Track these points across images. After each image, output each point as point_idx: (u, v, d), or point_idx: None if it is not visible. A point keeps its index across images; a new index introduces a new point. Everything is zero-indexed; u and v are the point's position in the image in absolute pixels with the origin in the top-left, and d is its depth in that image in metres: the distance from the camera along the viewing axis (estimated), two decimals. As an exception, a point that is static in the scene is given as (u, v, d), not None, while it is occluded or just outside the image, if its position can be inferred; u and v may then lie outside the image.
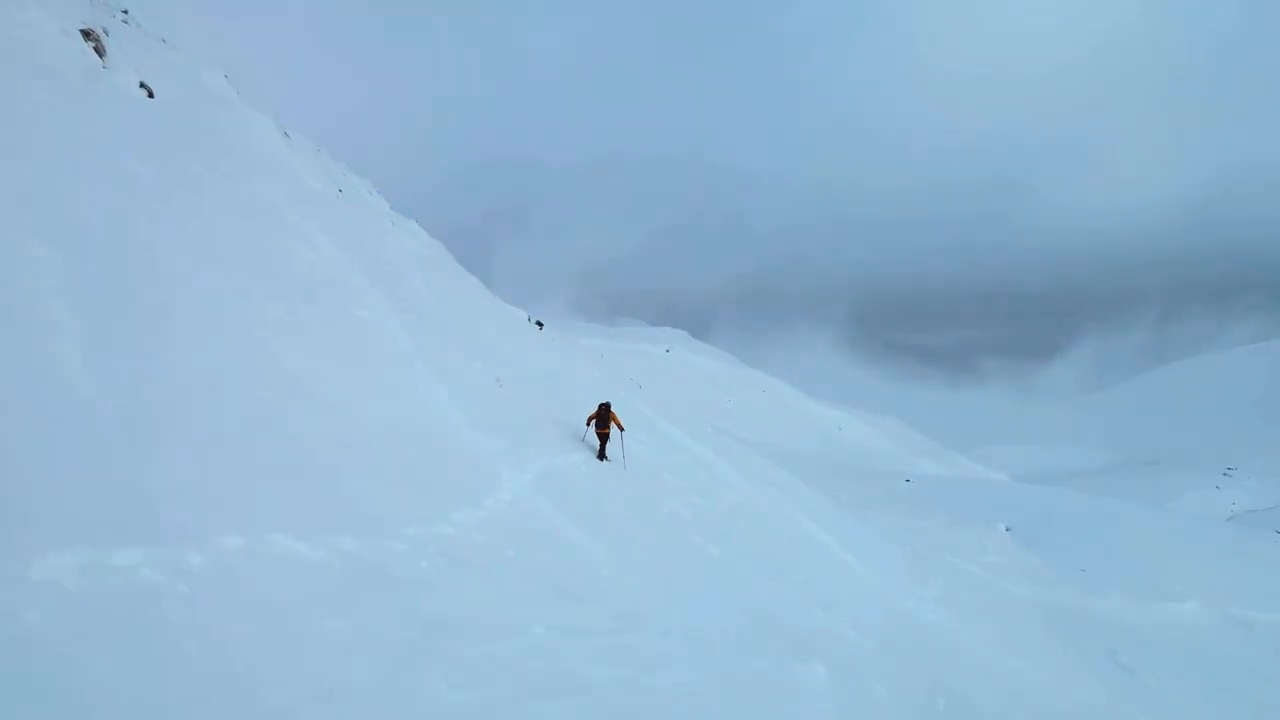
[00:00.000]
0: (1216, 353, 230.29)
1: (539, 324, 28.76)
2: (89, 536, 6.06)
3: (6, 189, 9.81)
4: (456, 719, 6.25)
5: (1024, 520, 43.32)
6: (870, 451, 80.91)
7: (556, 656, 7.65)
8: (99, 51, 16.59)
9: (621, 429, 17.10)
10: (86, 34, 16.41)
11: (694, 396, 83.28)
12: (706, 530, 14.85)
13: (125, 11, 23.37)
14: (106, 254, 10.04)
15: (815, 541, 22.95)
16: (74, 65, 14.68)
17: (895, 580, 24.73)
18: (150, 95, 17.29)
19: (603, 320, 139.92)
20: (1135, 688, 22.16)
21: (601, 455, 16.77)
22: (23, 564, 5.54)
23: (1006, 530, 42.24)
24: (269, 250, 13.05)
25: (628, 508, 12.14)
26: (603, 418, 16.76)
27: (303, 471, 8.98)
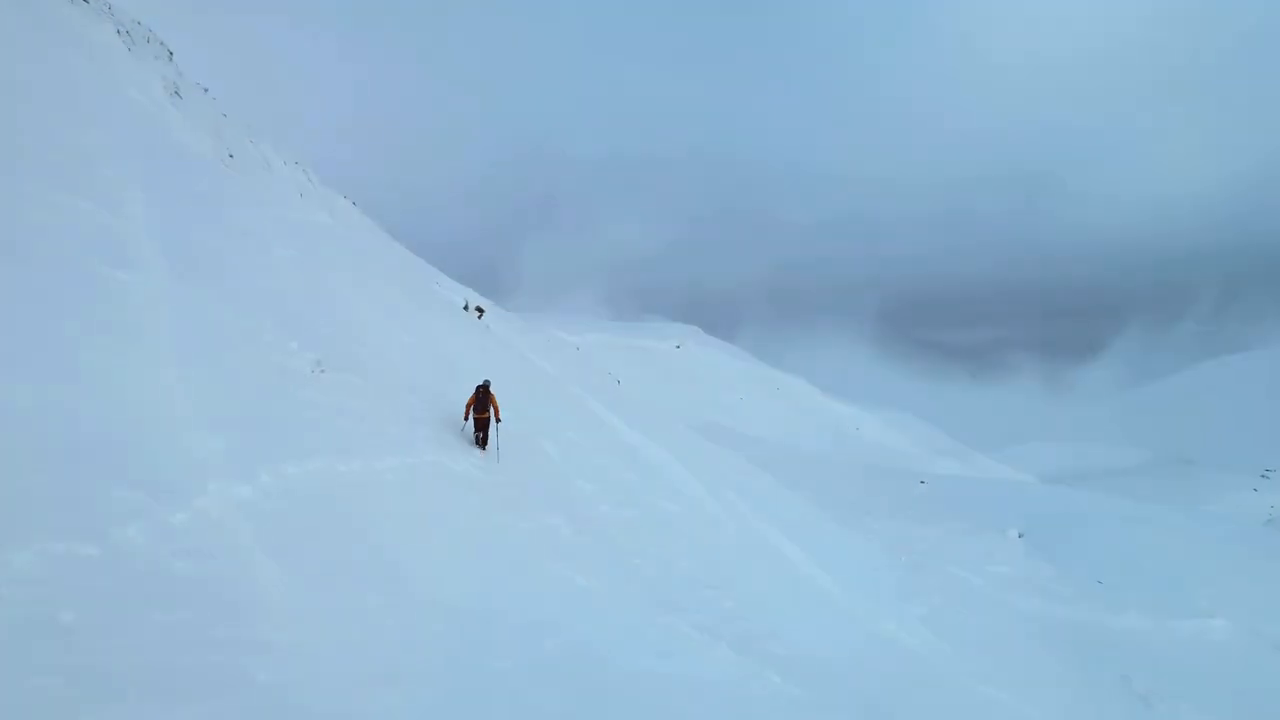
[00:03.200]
0: (1257, 350, 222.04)
1: (479, 310, 26.50)
2: None
3: None
4: None
5: (1040, 525, 39.93)
6: (888, 450, 77.65)
7: None
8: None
9: (499, 419, 14.94)
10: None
11: (700, 392, 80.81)
12: (600, 550, 12.29)
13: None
14: None
15: (776, 555, 20.32)
16: None
17: (875, 598, 21.99)
18: None
19: (631, 317, 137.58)
20: (1150, 721, 19.19)
21: (482, 444, 14.73)
22: None
23: (1019, 537, 38.93)
24: (29, 200, 10.78)
25: (443, 529, 9.44)
26: (481, 402, 14.66)
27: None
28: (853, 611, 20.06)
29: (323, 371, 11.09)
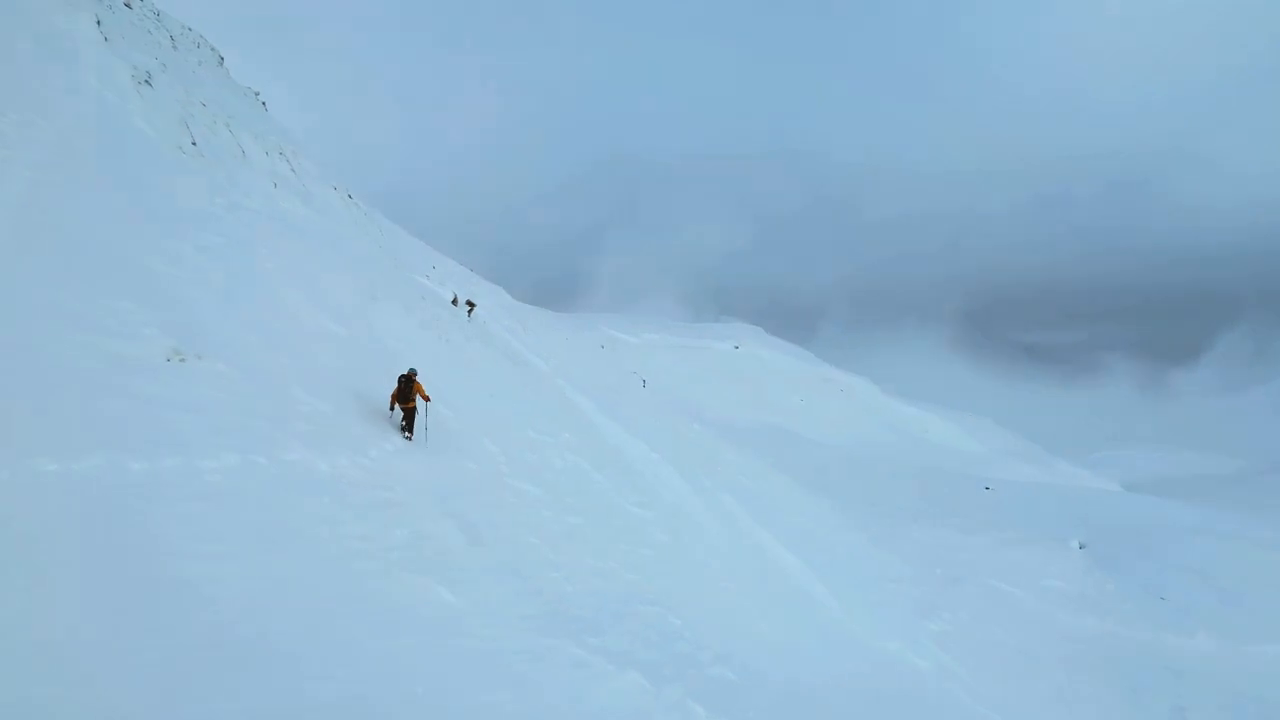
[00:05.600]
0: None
1: (470, 305, 25.44)
2: None
3: None
4: None
5: (1107, 535, 36.74)
6: (956, 454, 73.90)
7: None
8: None
9: (427, 399, 14.41)
10: None
11: (758, 394, 78.62)
12: (496, 562, 10.82)
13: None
14: None
15: (766, 566, 18.66)
16: None
17: (883, 614, 19.95)
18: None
19: (708, 318, 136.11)
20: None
21: (408, 431, 14.01)
22: None
23: (1080, 548, 35.85)
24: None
25: (258, 537, 7.94)
26: (405, 392, 13.99)
27: None
28: (850, 629, 18.17)
29: (181, 360, 10.08)
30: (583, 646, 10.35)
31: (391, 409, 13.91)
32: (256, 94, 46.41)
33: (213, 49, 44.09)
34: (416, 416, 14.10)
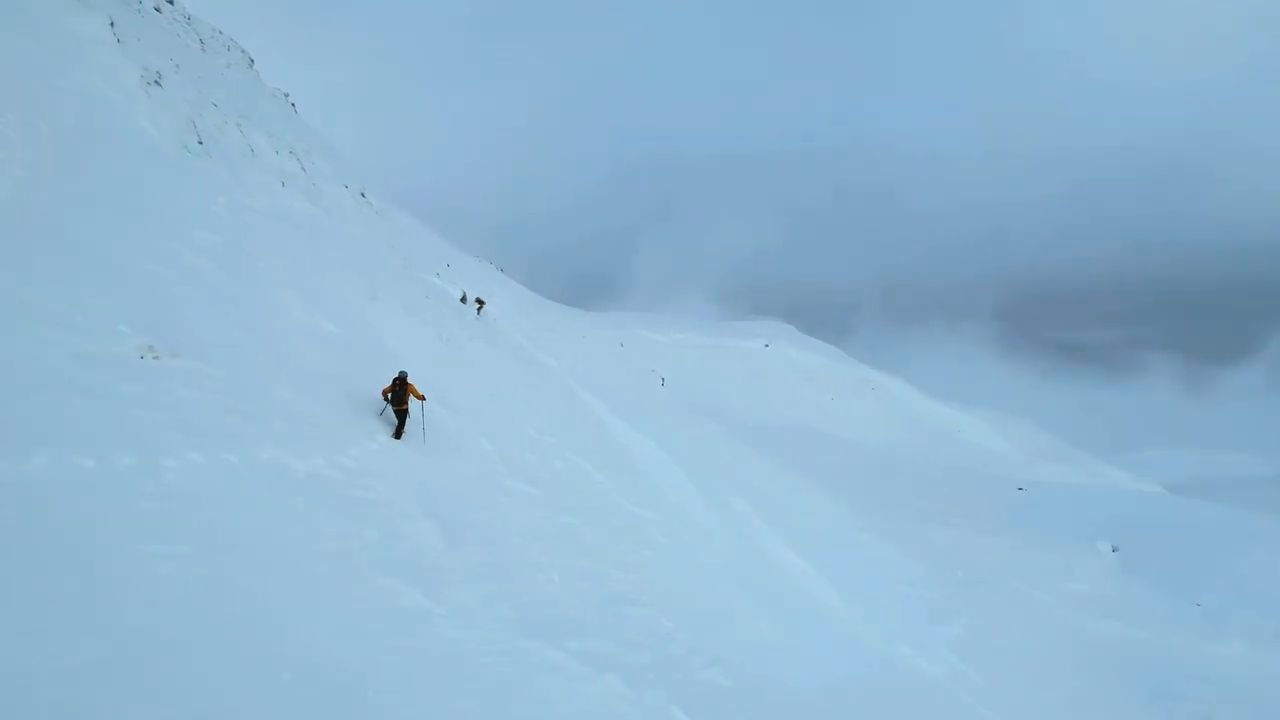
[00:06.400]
0: None
1: (479, 303, 25.31)
2: None
3: None
4: None
5: (1140, 538, 35.70)
6: (988, 454, 72.46)
7: None
8: None
9: (421, 399, 14.26)
10: None
11: (787, 392, 77.85)
12: (476, 562, 10.60)
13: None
14: None
15: (774, 568, 18.31)
16: None
17: (894, 617, 19.48)
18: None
19: (741, 316, 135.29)
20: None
21: (399, 434, 13.90)
22: None
23: (1113, 551, 34.89)
24: None
25: (214, 535, 7.84)
26: (399, 394, 13.91)
27: None
28: (858, 633, 17.76)
29: (156, 359, 10.03)
30: (560, 649, 10.14)
31: (385, 406, 13.86)
32: (286, 95, 46.96)
33: (243, 51, 44.68)
34: (409, 418, 14.00)
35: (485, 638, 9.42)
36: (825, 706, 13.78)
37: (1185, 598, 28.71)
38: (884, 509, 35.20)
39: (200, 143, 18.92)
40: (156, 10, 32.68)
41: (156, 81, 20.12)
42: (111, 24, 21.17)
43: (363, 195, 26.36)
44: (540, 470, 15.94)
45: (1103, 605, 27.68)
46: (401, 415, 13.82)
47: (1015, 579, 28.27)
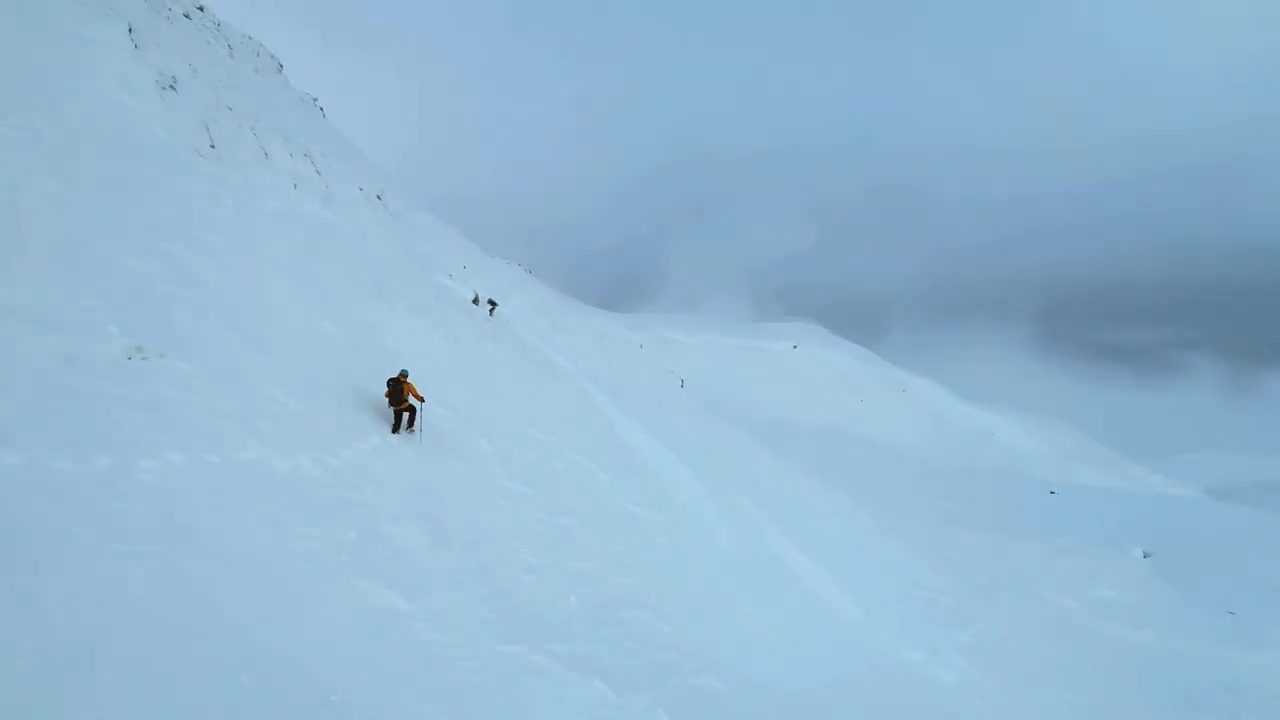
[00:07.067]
0: None
1: (491, 304, 25.38)
2: None
3: None
4: None
5: (1174, 545, 34.78)
6: (1021, 456, 71.10)
7: None
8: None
9: (420, 399, 14.33)
10: None
11: (816, 395, 77.00)
12: (462, 565, 10.49)
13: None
14: None
15: (783, 572, 18.02)
16: None
17: (909, 623, 19.06)
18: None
19: (775, 318, 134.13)
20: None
21: (396, 429, 14.02)
22: None
23: (1145, 557, 34.00)
24: None
25: (185, 535, 7.85)
26: (396, 394, 13.97)
27: None
28: (870, 638, 17.41)
29: (143, 359, 10.08)
30: (543, 653, 10.00)
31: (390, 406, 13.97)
32: (314, 100, 47.50)
33: (272, 57, 45.25)
34: (406, 417, 14.04)
35: (465, 641, 9.31)
36: (821, 710, 13.48)
37: (1218, 605, 27.88)
38: (910, 512, 34.63)
39: (212, 146, 19.14)
40: (186, 17, 33.18)
41: (171, 86, 20.37)
42: (130, 30, 21.49)
43: (378, 198, 26.53)
44: (540, 471, 15.84)
45: (1131, 612, 26.92)
46: (400, 414, 13.87)
47: (1039, 585, 27.61)
